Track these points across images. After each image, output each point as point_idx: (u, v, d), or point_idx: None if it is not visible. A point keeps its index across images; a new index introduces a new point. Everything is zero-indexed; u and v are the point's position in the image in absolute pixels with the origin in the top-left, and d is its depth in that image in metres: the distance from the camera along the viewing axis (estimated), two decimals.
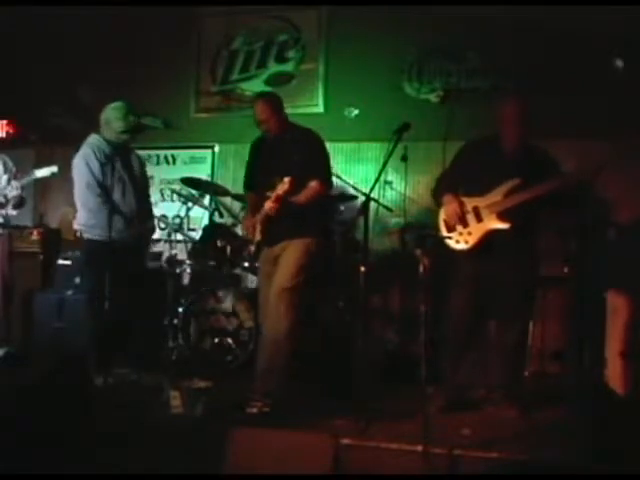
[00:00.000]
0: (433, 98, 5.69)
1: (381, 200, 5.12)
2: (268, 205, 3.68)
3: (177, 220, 5.44)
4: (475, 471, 2.88)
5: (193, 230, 5.89)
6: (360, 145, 5.80)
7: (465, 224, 3.79)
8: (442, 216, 3.87)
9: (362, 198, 4.65)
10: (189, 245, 5.40)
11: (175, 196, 5.95)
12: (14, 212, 5.00)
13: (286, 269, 3.74)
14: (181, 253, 5.41)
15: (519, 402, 3.73)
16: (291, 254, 3.76)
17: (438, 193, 3.95)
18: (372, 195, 3.90)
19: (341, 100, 5.85)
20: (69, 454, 2.96)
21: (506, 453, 2.96)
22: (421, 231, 4.20)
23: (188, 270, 5.15)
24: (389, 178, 5.43)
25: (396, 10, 5.52)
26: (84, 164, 4.12)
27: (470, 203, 3.79)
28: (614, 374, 3.53)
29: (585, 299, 4.28)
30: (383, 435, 3.16)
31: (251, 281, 5.37)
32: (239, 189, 4.35)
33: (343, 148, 5.79)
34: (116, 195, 4.15)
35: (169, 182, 6.25)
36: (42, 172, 4.88)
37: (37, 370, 4.45)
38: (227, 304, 4.78)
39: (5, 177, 4.97)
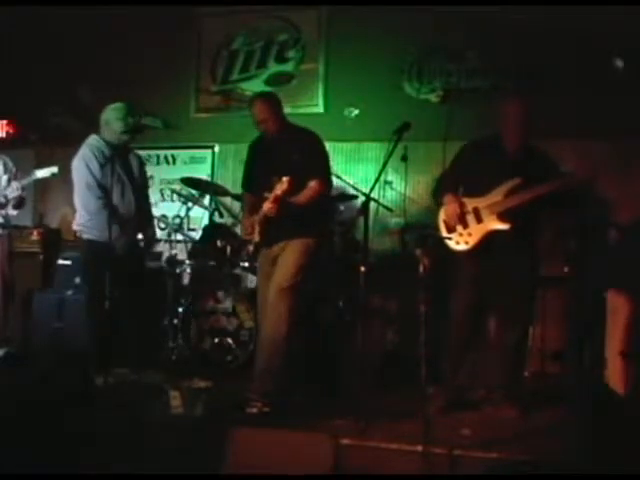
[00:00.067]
0: (433, 98, 5.69)
1: (381, 200, 5.11)
2: (267, 206, 3.67)
3: (177, 220, 5.44)
4: (475, 471, 2.88)
5: (193, 230, 5.89)
6: (360, 145, 5.80)
7: (465, 225, 3.78)
8: (442, 216, 3.86)
9: (362, 198, 4.65)
10: (189, 245, 5.40)
11: (175, 196, 5.95)
12: (14, 212, 5.01)
13: (285, 269, 3.73)
14: (181, 253, 5.40)
15: (519, 402, 3.73)
16: (290, 254, 3.75)
17: (438, 193, 3.95)
18: (372, 195, 3.89)
19: (341, 100, 5.85)
20: (69, 454, 2.96)
21: (506, 453, 2.96)
22: (421, 231, 4.19)
23: (188, 270, 5.15)
24: (389, 178, 5.43)
25: (396, 10, 5.52)
26: (84, 166, 4.11)
27: (470, 203, 3.79)
28: (614, 374, 3.52)
29: (585, 299, 4.28)
30: (383, 435, 3.16)
31: (251, 281, 5.37)
32: (239, 189, 4.35)
33: (343, 148, 5.79)
34: (115, 196, 4.14)
35: (169, 182, 6.25)
36: (42, 172, 4.88)
37: (37, 370, 4.46)
38: (227, 304, 4.78)
39: (5, 177, 4.97)
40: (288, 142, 3.82)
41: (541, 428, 3.45)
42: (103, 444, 3.05)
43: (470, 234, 3.77)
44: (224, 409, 3.58)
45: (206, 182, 5.64)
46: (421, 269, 3.15)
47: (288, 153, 3.76)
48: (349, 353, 4.31)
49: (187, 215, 5.40)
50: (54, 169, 4.86)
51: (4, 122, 6.32)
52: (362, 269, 3.57)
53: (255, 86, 6.05)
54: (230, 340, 4.71)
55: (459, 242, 3.79)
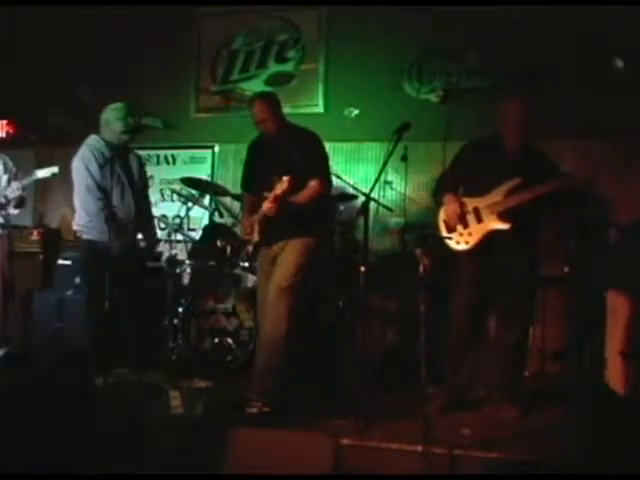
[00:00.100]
0: (433, 98, 5.69)
1: (381, 200, 5.11)
2: (266, 205, 3.67)
3: (177, 220, 5.44)
4: (475, 471, 2.88)
5: (193, 230, 5.90)
6: (360, 145, 5.80)
7: (465, 224, 3.78)
8: (442, 216, 3.86)
9: (362, 198, 4.65)
10: (189, 245, 5.40)
11: (175, 196, 5.95)
12: (15, 211, 5.01)
13: (285, 268, 3.73)
14: (181, 253, 5.40)
15: (519, 402, 3.73)
16: (290, 254, 3.75)
17: (438, 193, 3.95)
18: (372, 195, 3.90)
19: (341, 100, 5.85)
20: (69, 454, 2.96)
21: (506, 453, 2.96)
22: (421, 231, 4.19)
23: (188, 270, 5.15)
24: (389, 178, 5.42)
25: (396, 10, 5.52)
26: (84, 167, 4.11)
27: (470, 203, 3.79)
28: (614, 374, 3.52)
29: (585, 299, 4.28)
30: (383, 435, 3.16)
31: (251, 281, 5.37)
32: (239, 189, 4.35)
33: (343, 148, 5.79)
34: (115, 197, 4.14)
35: (169, 182, 6.25)
36: (43, 173, 4.88)
37: (37, 370, 4.46)
38: (227, 304, 4.78)
39: (5, 177, 4.97)
40: (288, 142, 3.82)
41: (541, 428, 3.45)
42: (103, 444, 3.05)
43: (470, 234, 3.77)
44: (224, 409, 3.58)
45: (206, 182, 5.64)
46: (421, 269, 3.15)
47: (288, 153, 3.76)
48: (349, 353, 4.31)
49: (187, 215, 5.40)
50: (54, 169, 4.86)
51: (4, 122, 6.32)
52: (362, 269, 3.56)
53: (255, 86, 6.05)
54: (230, 340, 4.71)
55: (459, 242, 3.79)
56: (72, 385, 3.75)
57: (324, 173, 3.86)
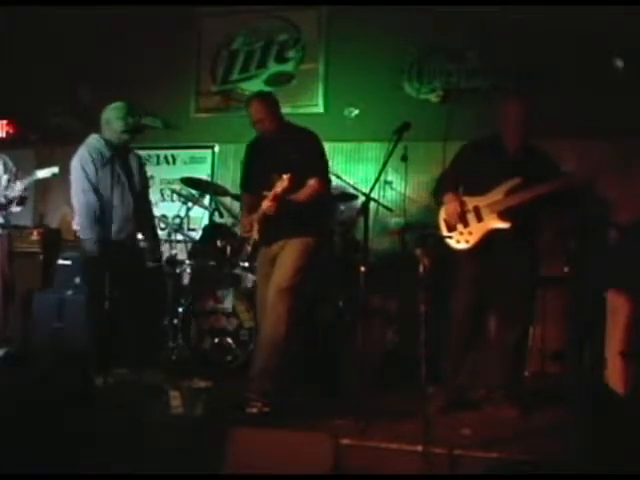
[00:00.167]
0: (433, 98, 5.69)
1: (381, 200, 5.12)
2: (266, 204, 3.66)
3: (177, 220, 5.45)
4: (475, 471, 2.88)
5: (193, 230, 5.90)
6: (360, 145, 5.80)
7: (466, 223, 3.78)
8: (442, 215, 3.87)
9: (362, 198, 4.65)
10: (189, 245, 5.40)
11: (175, 196, 5.95)
12: (17, 209, 5.00)
13: (284, 269, 3.73)
14: (181, 253, 5.41)
15: (519, 402, 3.73)
16: (289, 254, 3.75)
17: (438, 193, 3.95)
18: (372, 195, 3.90)
19: (341, 100, 5.85)
20: (69, 454, 2.96)
21: (506, 453, 2.96)
22: (421, 231, 4.19)
23: (188, 270, 5.15)
24: (389, 178, 5.43)
25: (396, 10, 5.52)
26: (80, 168, 4.11)
27: (471, 202, 3.79)
28: (614, 374, 3.52)
29: (585, 299, 4.28)
30: (383, 435, 3.15)
31: (251, 281, 5.37)
32: (239, 189, 4.35)
33: (343, 148, 5.79)
34: (115, 197, 4.14)
35: (169, 182, 6.25)
36: (43, 173, 4.88)
37: (37, 370, 4.46)
38: (227, 304, 4.78)
39: (5, 177, 4.97)
40: (286, 142, 3.81)
41: (541, 428, 3.45)
42: (103, 444, 3.05)
43: (471, 233, 3.77)
44: (224, 409, 3.58)
45: (206, 182, 5.65)
46: (421, 269, 3.14)
47: (286, 152, 3.76)
48: (349, 353, 4.31)
49: (187, 215, 5.41)
50: (55, 169, 4.86)
51: (4, 122, 6.32)
52: (362, 269, 3.56)
53: (255, 86, 6.05)
54: (230, 340, 4.71)
55: (460, 241, 3.79)
56: (72, 385, 3.75)
57: (323, 172, 3.86)
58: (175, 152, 6.35)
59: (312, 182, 3.76)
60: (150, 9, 5.97)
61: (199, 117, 6.32)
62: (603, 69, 5.03)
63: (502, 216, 3.70)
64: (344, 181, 5.20)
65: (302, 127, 3.95)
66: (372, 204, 4.37)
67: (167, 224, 5.76)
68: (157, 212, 5.56)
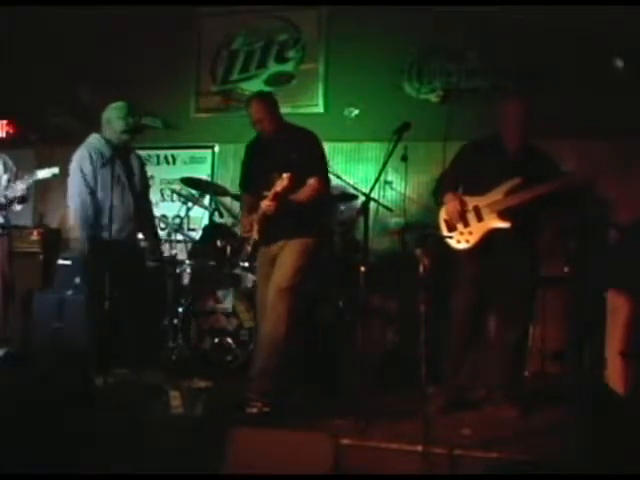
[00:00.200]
0: (433, 98, 5.69)
1: (381, 200, 5.12)
2: (266, 204, 3.66)
3: (177, 220, 5.45)
4: (475, 471, 2.88)
5: (193, 230, 5.89)
6: (360, 145, 5.80)
7: (466, 223, 3.78)
8: (443, 215, 3.86)
9: (362, 198, 4.65)
10: (189, 245, 5.40)
11: (175, 196, 5.95)
12: (19, 207, 4.99)
13: (284, 270, 3.73)
14: (181, 253, 5.41)
15: (519, 402, 3.73)
16: (289, 254, 3.75)
17: (439, 192, 3.95)
18: (372, 195, 3.89)
19: (341, 100, 5.85)
20: (69, 454, 2.96)
21: (506, 453, 2.96)
22: (421, 231, 4.19)
23: (188, 270, 5.15)
24: (389, 178, 5.42)
25: (396, 10, 5.52)
26: (78, 169, 4.12)
27: (471, 202, 3.79)
28: (614, 374, 3.52)
29: (585, 299, 4.28)
30: (383, 435, 3.15)
31: (251, 281, 5.37)
32: (239, 189, 4.35)
33: (343, 148, 5.79)
34: (115, 197, 4.14)
35: (169, 182, 6.24)
36: (43, 173, 4.87)
37: (37, 370, 4.46)
38: (227, 304, 4.78)
39: (5, 177, 4.96)
40: (285, 141, 3.81)
41: (541, 428, 3.45)
42: (103, 444, 3.05)
43: (471, 232, 3.77)
44: (224, 409, 3.58)
45: (206, 182, 5.65)
46: (421, 269, 3.14)
47: (285, 152, 3.76)
48: (349, 353, 4.31)
49: (187, 215, 5.40)
50: (55, 170, 4.84)
51: (4, 122, 6.32)
52: (362, 269, 3.56)
53: (255, 86, 6.05)
54: (230, 340, 4.71)
55: (460, 241, 3.79)
56: (72, 385, 3.75)
57: (322, 172, 3.86)
58: (175, 152, 6.34)
59: (312, 182, 3.76)
60: (150, 9, 5.97)
61: (199, 117, 6.32)
62: (603, 69, 5.03)
63: (502, 216, 3.70)
64: (344, 181, 5.20)
65: (301, 127, 3.95)
66: (372, 204, 4.36)
67: (167, 224, 5.76)
68: (157, 212, 5.56)
